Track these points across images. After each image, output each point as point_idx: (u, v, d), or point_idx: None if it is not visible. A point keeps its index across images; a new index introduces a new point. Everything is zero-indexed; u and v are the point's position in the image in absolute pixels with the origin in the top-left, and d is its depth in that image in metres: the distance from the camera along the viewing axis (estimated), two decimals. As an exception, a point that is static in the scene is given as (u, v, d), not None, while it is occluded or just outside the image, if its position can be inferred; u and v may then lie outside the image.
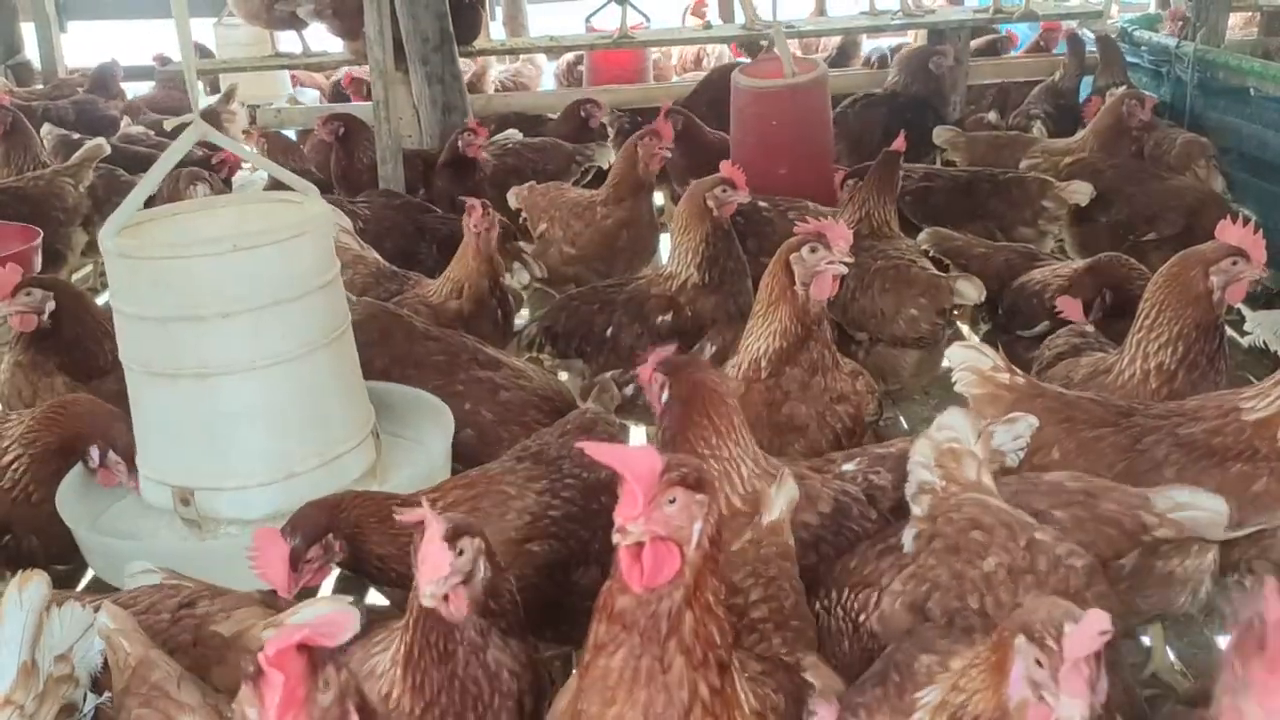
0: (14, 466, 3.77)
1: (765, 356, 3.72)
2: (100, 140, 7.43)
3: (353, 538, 2.95)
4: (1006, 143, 7.13)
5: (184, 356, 3.53)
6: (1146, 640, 3.43)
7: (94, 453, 3.81)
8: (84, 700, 2.72)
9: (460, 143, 6.82)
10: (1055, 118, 7.87)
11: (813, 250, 3.63)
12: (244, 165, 7.40)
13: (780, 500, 2.97)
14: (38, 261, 6.14)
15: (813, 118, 6.55)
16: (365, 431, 3.88)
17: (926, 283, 4.77)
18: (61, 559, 3.79)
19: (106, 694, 2.83)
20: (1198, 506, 2.73)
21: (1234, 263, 3.50)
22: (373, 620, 2.69)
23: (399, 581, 2.96)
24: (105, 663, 2.63)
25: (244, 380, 3.56)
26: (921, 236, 5.32)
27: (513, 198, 6.11)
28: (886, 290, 4.81)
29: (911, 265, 4.89)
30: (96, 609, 2.61)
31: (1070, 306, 4.44)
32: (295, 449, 3.65)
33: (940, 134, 7.17)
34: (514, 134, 7.68)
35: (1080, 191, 5.78)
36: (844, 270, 3.67)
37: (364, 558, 2.98)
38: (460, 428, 4.00)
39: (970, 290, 4.67)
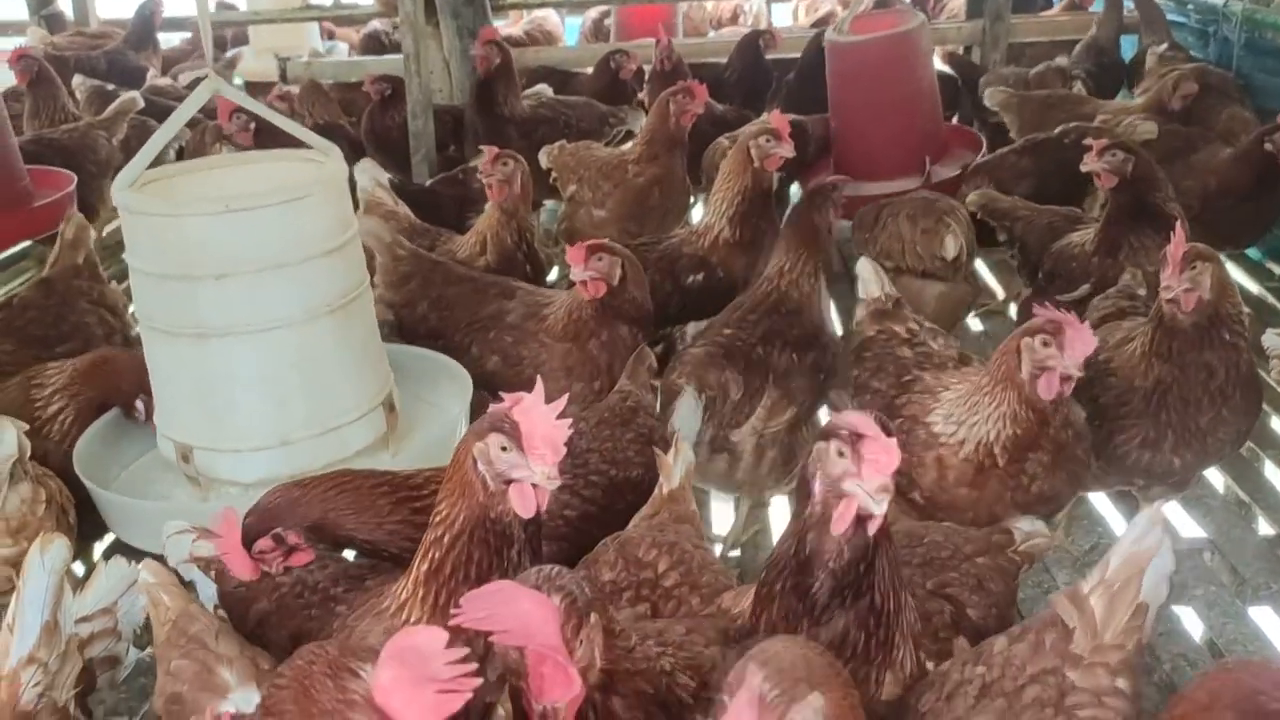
0: (61, 418, 3.82)
1: (999, 443, 3.24)
2: (134, 94, 7.43)
3: (318, 531, 2.82)
4: (1057, 102, 6.90)
5: (181, 315, 3.49)
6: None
7: (140, 406, 3.86)
8: (126, 653, 2.76)
9: (475, 55, 6.78)
10: (1096, 76, 7.67)
11: (1044, 344, 3.14)
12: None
13: (679, 468, 3.03)
14: (73, 210, 6.16)
15: (868, 76, 6.35)
16: (375, 402, 3.79)
17: (933, 221, 4.86)
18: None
19: (149, 650, 2.89)
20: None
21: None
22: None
23: (394, 560, 2.87)
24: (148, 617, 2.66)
25: (239, 343, 3.49)
26: (970, 198, 5.30)
27: (544, 157, 6.04)
28: (909, 218, 4.92)
29: (937, 202, 4.98)
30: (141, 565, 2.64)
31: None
32: (293, 416, 3.58)
33: (993, 95, 6.94)
34: (544, 89, 7.60)
35: (1145, 129, 5.75)
36: (1073, 376, 3.15)
37: (347, 543, 2.89)
38: (488, 357, 4.13)
39: (950, 246, 4.76)
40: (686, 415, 3.65)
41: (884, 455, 2.15)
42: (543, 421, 2.27)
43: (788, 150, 4.74)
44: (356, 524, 2.85)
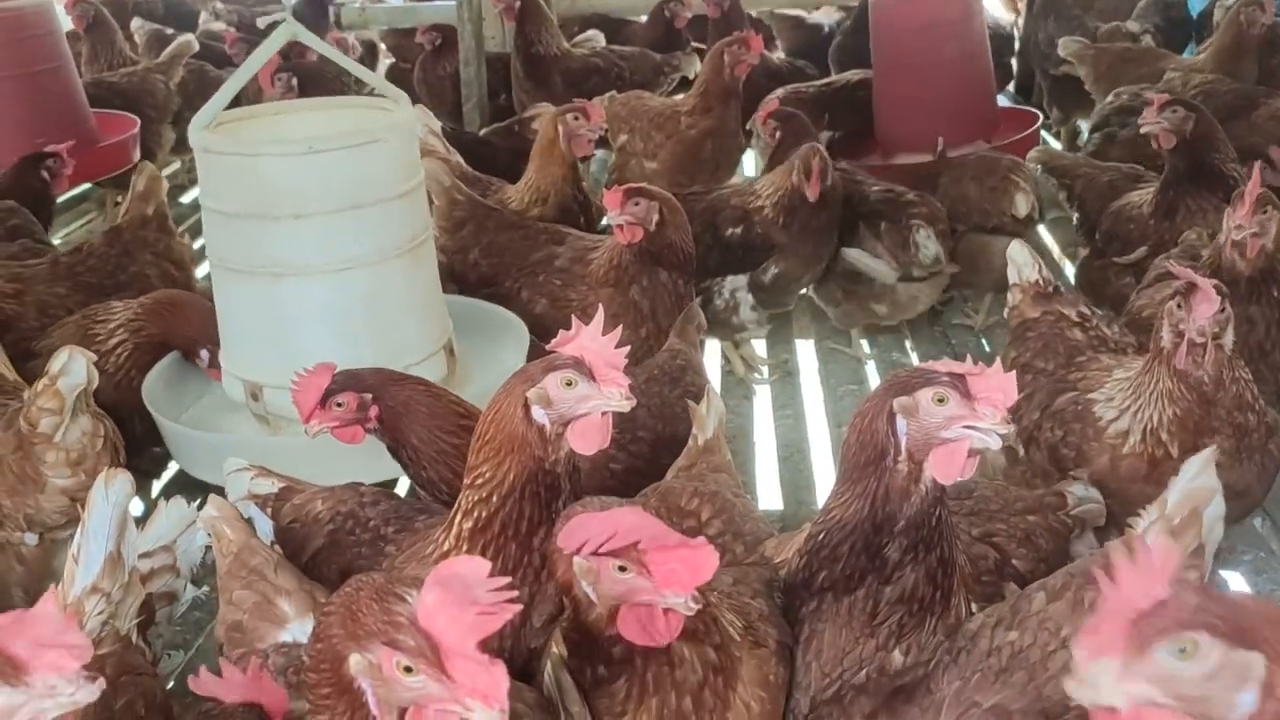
0: (118, 352, 3.90)
1: (1164, 428, 2.96)
2: (189, 37, 7.50)
3: (394, 416, 2.88)
4: (1136, 56, 6.74)
5: (256, 254, 3.57)
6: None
7: (204, 355, 3.94)
8: (184, 590, 2.86)
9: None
10: (1165, 30, 7.48)
11: (1179, 306, 2.92)
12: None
13: (712, 419, 3.06)
14: (135, 152, 6.26)
15: (891, 36, 6.15)
16: (437, 345, 3.86)
17: (1000, 179, 5.01)
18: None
19: (205, 588, 3.01)
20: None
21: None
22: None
23: (425, 486, 2.92)
24: (205, 556, 2.75)
25: (313, 281, 3.58)
26: (1031, 154, 5.32)
27: (594, 109, 6.02)
28: (974, 178, 5.07)
29: (1000, 159, 5.09)
30: (200, 505, 2.71)
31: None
32: (361, 355, 3.56)
33: (1067, 46, 6.79)
34: (596, 35, 7.53)
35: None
36: (1200, 343, 2.89)
37: (400, 443, 2.93)
38: (537, 300, 4.21)
39: (1021, 203, 4.89)
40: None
41: (999, 389, 2.06)
42: (605, 347, 2.26)
43: (753, 58, 5.29)
44: (425, 427, 2.90)
